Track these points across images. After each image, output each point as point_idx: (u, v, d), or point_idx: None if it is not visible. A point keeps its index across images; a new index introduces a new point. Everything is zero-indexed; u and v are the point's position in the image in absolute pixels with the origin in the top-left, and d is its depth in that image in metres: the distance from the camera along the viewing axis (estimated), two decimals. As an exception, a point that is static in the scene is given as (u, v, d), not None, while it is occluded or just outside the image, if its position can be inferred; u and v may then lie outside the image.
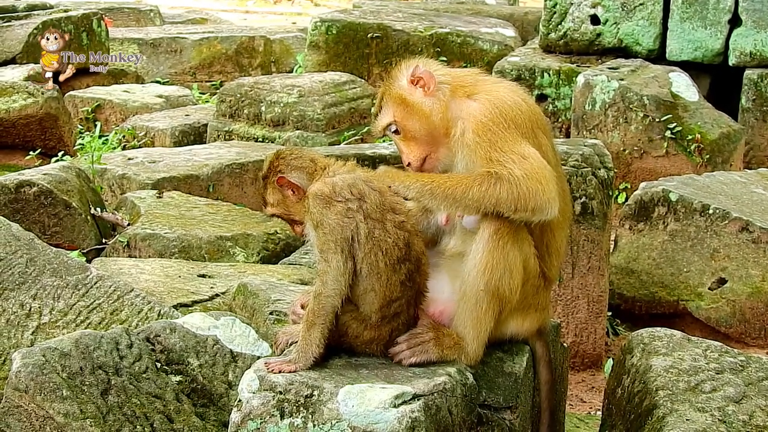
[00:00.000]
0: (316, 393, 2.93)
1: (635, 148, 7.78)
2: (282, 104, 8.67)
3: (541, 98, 8.89)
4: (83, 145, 8.66)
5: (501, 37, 10.91)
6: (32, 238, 4.38)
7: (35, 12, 11.24)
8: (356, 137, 8.58)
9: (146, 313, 4.14)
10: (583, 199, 5.23)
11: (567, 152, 5.20)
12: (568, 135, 8.46)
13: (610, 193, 5.33)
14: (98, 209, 6.00)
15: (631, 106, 7.79)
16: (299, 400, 2.93)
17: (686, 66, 8.66)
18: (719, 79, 9.02)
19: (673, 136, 7.67)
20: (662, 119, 7.69)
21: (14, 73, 9.27)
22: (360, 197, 3.07)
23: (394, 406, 2.90)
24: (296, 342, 3.10)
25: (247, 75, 11.65)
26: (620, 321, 6.05)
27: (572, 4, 9.29)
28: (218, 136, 8.69)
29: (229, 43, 12.51)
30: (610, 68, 8.24)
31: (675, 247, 5.91)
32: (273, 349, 3.33)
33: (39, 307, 4.10)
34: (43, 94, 8.69)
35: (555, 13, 9.36)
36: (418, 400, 2.94)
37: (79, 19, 10.75)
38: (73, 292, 4.17)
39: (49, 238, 5.61)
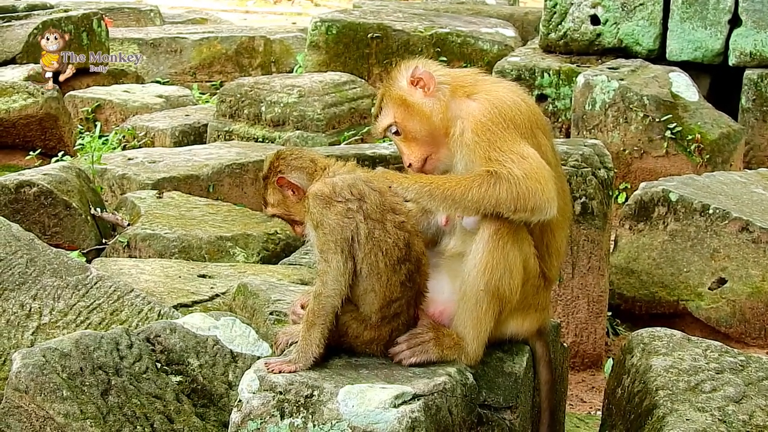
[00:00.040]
0: (316, 393, 2.94)
1: (635, 148, 7.79)
2: (282, 104, 8.67)
3: (541, 98, 8.89)
4: (83, 145, 8.66)
5: (501, 37, 10.91)
6: (32, 238, 4.38)
7: (35, 12, 11.25)
8: (356, 137, 8.58)
9: (146, 314, 4.14)
10: (583, 199, 5.23)
11: (567, 152, 5.20)
12: (568, 135, 8.46)
13: (610, 193, 5.33)
14: (98, 209, 6.00)
15: (631, 106, 7.79)
16: (299, 400, 2.93)
17: (686, 66, 8.66)
18: (719, 79, 9.02)
19: (673, 136, 7.67)
20: (662, 119, 7.69)
21: (14, 73, 9.28)
22: (360, 197, 3.08)
23: (394, 406, 2.90)
24: (296, 342, 3.10)
25: (247, 75, 11.65)
26: (620, 321, 6.05)
27: (572, 4, 9.29)
28: (218, 136, 8.69)
29: (229, 43, 12.51)
30: (610, 68, 8.24)
31: (675, 247, 5.92)
32: (273, 349, 3.33)
33: (39, 308, 4.10)
34: (43, 94, 8.69)
35: (555, 13, 9.36)
36: (418, 400, 2.94)
37: (79, 19, 10.75)
38: (74, 293, 4.17)
39: (49, 239, 5.61)
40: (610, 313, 5.80)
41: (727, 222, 5.78)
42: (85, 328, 3.99)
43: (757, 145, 8.61)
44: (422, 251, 3.19)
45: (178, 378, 3.58)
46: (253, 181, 6.96)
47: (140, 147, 8.43)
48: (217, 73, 12.38)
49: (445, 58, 10.05)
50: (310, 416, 2.91)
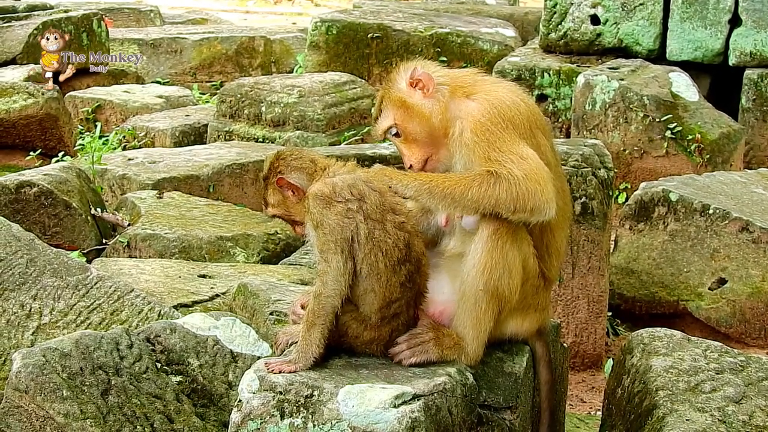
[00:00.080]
0: (316, 393, 2.94)
1: (635, 148, 7.79)
2: (282, 104, 8.67)
3: (541, 98, 8.89)
4: (83, 145, 8.67)
5: (501, 37, 10.91)
6: (32, 238, 4.38)
7: (35, 12, 11.25)
8: (356, 137, 8.58)
9: (146, 314, 4.14)
10: (583, 199, 5.23)
11: (567, 152, 5.20)
12: (568, 135, 8.46)
13: (610, 193, 5.33)
14: (98, 209, 6.00)
15: (631, 106, 7.79)
16: (299, 401, 2.94)
17: (686, 66, 8.66)
18: (719, 79, 9.02)
19: (673, 136, 7.67)
20: (662, 119, 7.69)
21: (14, 74, 9.28)
22: (360, 198, 3.08)
23: (394, 406, 2.90)
24: (296, 342, 3.10)
25: (247, 75, 11.65)
26: (620, 321, 6.05)
27: (572, 4, 9.29)
28: (218, 136, 8.69)
29: (230, 43, 12.51)
30: (610, 68, 8.24)
31: (675, 247, 5.92)
32: (273, 349, 3.33)
33: (39, 308, 4.11)
34: (43, 94, 8.69)
35: (555, 13, 9.36)
36: (418, 400, 2.94)
37: (79, 20, 10.75)
38: (74, 293, 4.18)
39: (50, 239, 5.61)
40: (610, 314, 5.79)
41: (727, 222, 5.78)
42: (86, 328, 3.99)
43: (757, 145, 8.61)
44: (422, 252, 3.19)
45: (178, 378, 3.58)
46: (253, 181, 6.96)
47: (140, 147, 8.43)
48: (217, 73, 12.39)
49: (445, 59, 10.05)
50: (310, 416, 2.91)
